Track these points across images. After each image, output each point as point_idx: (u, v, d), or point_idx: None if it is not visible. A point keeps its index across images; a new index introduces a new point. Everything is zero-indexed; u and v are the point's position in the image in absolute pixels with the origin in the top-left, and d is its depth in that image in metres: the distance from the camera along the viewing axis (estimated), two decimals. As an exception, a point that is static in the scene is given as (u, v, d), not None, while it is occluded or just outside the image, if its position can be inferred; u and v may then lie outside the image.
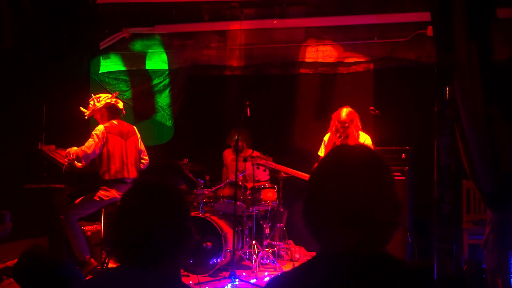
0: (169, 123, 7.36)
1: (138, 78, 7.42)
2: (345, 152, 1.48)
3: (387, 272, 1.37)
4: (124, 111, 5.57)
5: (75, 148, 5.31)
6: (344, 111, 5.30)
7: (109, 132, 5.32)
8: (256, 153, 6.27)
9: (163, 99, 7.38)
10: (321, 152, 5.50)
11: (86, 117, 5.54)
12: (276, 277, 1.47)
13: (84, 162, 5.26)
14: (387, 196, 1.42)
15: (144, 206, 1.64)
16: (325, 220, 1.39)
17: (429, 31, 6.18)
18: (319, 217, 1.41)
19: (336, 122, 5.33)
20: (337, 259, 1.38)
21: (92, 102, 5.46)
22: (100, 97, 5.46)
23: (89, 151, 5.21)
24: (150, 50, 7.44)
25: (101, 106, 5.41)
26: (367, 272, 1.36)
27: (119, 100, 5.52)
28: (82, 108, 5.52)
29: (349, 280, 1.35)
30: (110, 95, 5.52)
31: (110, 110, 5.43)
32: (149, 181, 1.77)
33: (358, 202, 1.36)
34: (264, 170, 6.07)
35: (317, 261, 1.45)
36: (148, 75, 7.40)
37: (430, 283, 1.43)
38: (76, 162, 5.27)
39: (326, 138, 5.48)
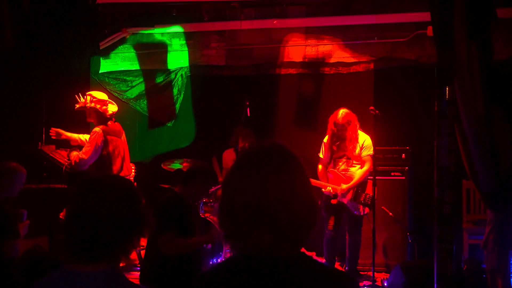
0: (169, 123, 7.35)
1: (138, 78, 7.42)
2: (256, 152, 1.43)
3: (302, 275, 1.32)
4: (113, 119, 5.52)
5: (75, 152, 5.31)
6: (340, 113, 5.29)
7: (107, 134, 5.32)
8: None
9: (163, 99, 7.38)
10: (322, 154, 5.49)
11: (75, 108, 5.51)
12: (197, 276, 1.44)
13: (83, 168, 5.26)
14: (301, 195, 1.35)
15: (98, 201, 1.62)
16: (236, 222, 1.35)
17: (429, 31, 6.18)
18: (231, 218, 1.36)
19: (333, 125, 5.32)
20: (250, 260, 1.34)
21: (88, 98, 5.43)
22: (95, 97, 5.42)
23: (86, 157, 5.21)
24: (150, 50, 7.44)
25: (89, 106, 5.39)
26: (281, 275, 1.31)
27: (108, 109, 5.45)
28: (77, 96, 5.48)
29: (261, 283, 1.31)
30: (105, 99, 5.45)
31: (97, 114, 5.40)
32: (103, 176, 1.76)
33: (269, 202, 1.31)
34: None
35: (230, 262, 1.40)
36: (148, 75, 7.40)
37: (348, 286, 1.38)
38: (75, 167, 5.27)
39: (325, 140, 5.48)
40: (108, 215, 1.61)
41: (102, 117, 5.38)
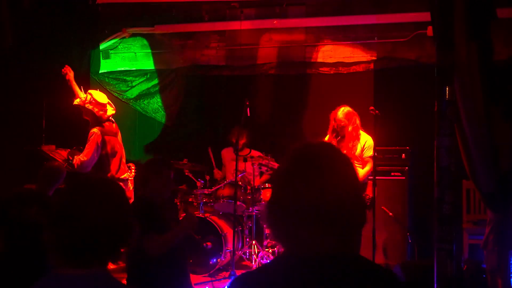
0: (169, 123, 7.35)
1: (138, 78, 7.42)
2: (310, 150, 1.42)
3: (357, 274, 1.33)
4: (114, 122, 5.54)
5: (77, 157, 5.32)
6: (341, 111, 5.28)
7: (105, 135, 5.35)
8: (255, 152, 6.27)
9: (163, 99, 7.38)
10: None
11: (73, 103, 5.52)
12: (241, 276, 1.41)
13: (86, 170, 5.28)
14: (355, 195, 1.36)
15: (84, 204, 1.59)
16: (288, 220, 1.33)
17: (429, 31, 6.18)
18: (286, 218, 1.34)
19: (333, 122, 5.32)
20: (300, 259, 1.33)
21: (89, 97, 5.43)
22: (95, 101, 5.42)
23: (87, 159, 5.23)
24: (150, 50, 7.44)
25: (88, 108, 5.40)
26: (337, 273, 1.32)
27: (108, 110, 5.47)
28: (81, 95, 5.49)
29: (311, 281, 1.30)
30: (104, 104, 5.46)
31: (94, 116, 5.41)
32: (89, 178, 1.74)
33: (327, 202, 1.31)
34: (267, 171, 6.05)
35: (281, 261, 1.39)
36: (148, 75, 7.40)
37: (396, 285, 1.39)
38: (78, 170, 5.28)
39: (326, 138, 5.48)
40: (96, 219, 1.58)
41: (97, 120, 5.40)
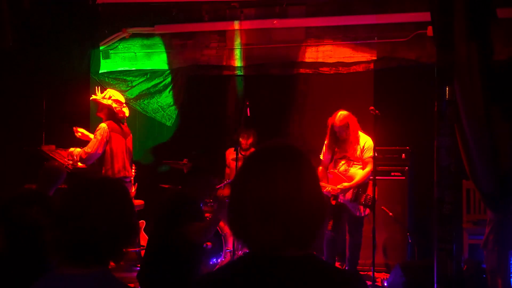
0: (169, 123, 7.35)
1: (138, 78, 7.42)
2: (264, 150, 1.44)
3: (310, 276, 1.32)
4: (125, 122, 5.59)
5: (78, 149, 5.32)
6: (338, 116, 5.29)
7: (112, 131, 5.34)
8: None
9: (163, 99, 7.38)
10: (322, 155, 5.49)
11: (90, 98, 5.57)
12: (202, 276, 1.43)
13: (88, 163, 5.27)
14: (309, 192, 1.36)
15: (87, 204, 1.59)
16: (246, 219, 1.34)
17: (429, 31, 6.18)
18: (240, 216, 1.36)
19: (332, 127, 5.33)
20: (259, 260, 1.34)
21: (108, 94, 5.47)
22: (114, 96, 5.47)
23: (92, 151, 5.21)
24: (150, 50, 7.44)
25: (106, 104, 5.43)
26: (290, 275, 1.31)
27: (124, 111, 5.52)
28: (97, 89, 5.54)
29: (270, 283, 1.31)
30: (122, 101, 5.52)
31: (109, 112, 5.44)
32: (91, 178, 1.74)
33: (277, 199, 1.31)
34: None
35: (240, 262, 1.40)
36: (148, 75, 7.40)
37: (357, 286, 1.39)
38: (80, 163, 5.28)
39: (325, 143, 5.49)
40: (98, 219, 1.58)
41: (113, 116, 5.42)
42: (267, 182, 1.34)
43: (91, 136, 5.55)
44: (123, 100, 5.57)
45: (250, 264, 1.36)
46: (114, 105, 5.41)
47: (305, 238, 1.36)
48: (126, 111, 5.56)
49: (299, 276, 1.32)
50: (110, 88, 7.22)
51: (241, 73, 7.14)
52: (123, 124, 5.57)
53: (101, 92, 5.51)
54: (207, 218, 5.36)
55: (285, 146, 1.44)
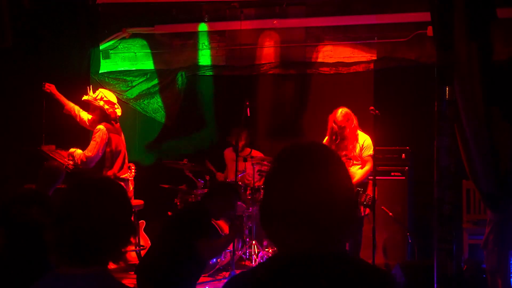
0: (169, 123, 7.35)
1: (138, 78, 7.42)
2: (297, 149, 1.43)
3: (345, 273, 1.33)
4: (118, 122, 5.59)
5: (79, 151, 5.33)
6: (340, 112, 5.29)
7: (110, 132, 5.37)
8: (255, 153, 6.28)
9: (163, 99, 7.38)
10: None
11: (82, 98, 5.58)
12: (234, 277, 1.42)
13: (89, 166, 5.29)
14: (341, 192, 1.36)
15: (86, 204, 1.60)
16: (278, 221, 1.35)
17: (429, 31, 6.18)
18: (272, 218, 1.36)
19: (332, 124, 5.32)
20: (293, 259, 1.34)
21: (99, 95, 5.47)
22: (105, 97, 5.47)
23: (92, 154, 5.26)
24: (150, 50, 7.43)
25: (98, 104, 5.43)
26: (324, 273, 1.31)
27: (117, 111, 5.52)
28: (88, 89, 5.52)
29: (305, 281, 1.31)
30: (114, 102, 5.52)
31: (103, 114, 5.45)
32: (91, 178, 1.74)
33: (309, 200, 1.32)
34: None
35: (273, 261, 1.40)
36: (148, 75, 7.40)
37: (390, 285, 1.39)
38: (82, 166, 5.29)
39: (325, 141, 5.48)
40: (97, 219, 1.58)
41: (105, 117, 5.44)
42: (298, 184, 1.34)
43: (65, 100, 5.60)
44: (115, 101, 5.57)
45: (285, 263, 1.35)
46: (106, 106, 5.43)
47: (339, 236, 1.36)
48: (118, 111, 5.57)
49: (336, 273, 1.32)
50: (110, 88, 7.24)
51: (241, 73, 7.13)
52: (116, 123, 5.57)
53: (93, 92, 5.52)
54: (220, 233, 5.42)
55: (312, 144, 1.44)
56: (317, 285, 1.30)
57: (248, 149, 6.39)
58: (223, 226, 5.74)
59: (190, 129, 7.25)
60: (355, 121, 5.33)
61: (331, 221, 1.33)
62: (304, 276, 1.31)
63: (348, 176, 1.41)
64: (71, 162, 5.35)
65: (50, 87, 5.61)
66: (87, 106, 5.67)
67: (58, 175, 4.53)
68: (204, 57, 7.27)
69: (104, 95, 5.49)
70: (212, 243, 3.67)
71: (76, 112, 5.66)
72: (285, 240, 1.35)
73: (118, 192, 1.69)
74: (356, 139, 5.36)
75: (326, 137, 5.46)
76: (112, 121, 5.50)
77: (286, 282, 1.31)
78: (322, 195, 1.33)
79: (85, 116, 5.63)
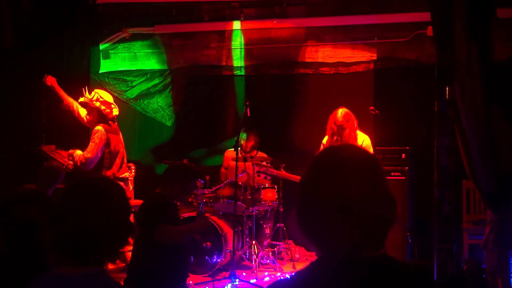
0: (169, 123, 7.35)
1: (138, 78, 7.42)
2: (337, 151, 1.46)
3: (391, 275, 1.35)
4: (116, 121, 5.57)
5: (79, 152, 5.33)
6: (340, 112, 5.29)
7: (108, 133, 5.37)
8: (261, 154, 6.30)
9: (163, 99, 7.38)
10: None
11: (77, 101, 5.57)
12: (276, 282, 1.43)
13: (89, 167, 5.29)
14: (382, 194, 1.38)
15: (84, 204, 1.60)
16: (322, 221, 1.35)
17: (429, 31, 6.18)
18: (315, 218, 1.37)
19: (333, 124, 5.32)
20: (340, 261, 1.35)
21: (95, 96, 5.47)
22: (101, 98, 5.46)
23: (91, 156, 5.25)
24: (150, 50, 7.44)
25: (95, 106, 5.43)
26: (372, 275, 1.33)
27: (114, 111, 5.51)
28: (84, 90, 5.53)
29: (352, 283, 1.32)
30: (111, 102, 5.51)
31: (100, 115, 5.44)
32: (89, 178, 1.74)
33: (354, 200, 1.33)
34: (266, 178, 6.08)
35: (320, 264, 1.41)
36: (148, 75, 7.40)
37: (431, 285, 1.41)
38: (82, 167, 5.29)
39: (324, 140, 5.48)
40: (95, 218, 1.59)
41: (103, 118, 5.43)
42: (342, 182, 1.35)
43: (64, 94, 5.62)
44: (111, 100, 5.56)
45: (330, 266, 1.36)
46: (102, 107, 5.42)
47: (380, 238, 1.38)
48: (115, 111, 5.55)
49: (380, 276, 1.33)
50: (110, 88, 7.24)
51: (241, 73, 7.14)
52: (114, 123, 5.56)
53: (89, 93, 5.50)
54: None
55: (352, 146, 1.46)
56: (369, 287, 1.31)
57: (255, 151, 6.40)
58: (223, 226, 5.74)
59: (190, 129, 7.24)
60: (355, 121, 5.34)
61: (375, 219, 1.35)
62: (355, 278, 1.32)
63: (385, 178, 1.43)
64: (71, 162, 5.35)
65: (52, 80, 5.62)
66: (84, 107, 5.65)
67: (58, 175, 4.53)
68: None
69: (100, 96, 5.47)
70: (167, 228, 3.66)
71: (75, 107, 5.65)
72: (331, 241, 1.35)
73: (117, 192, 1.69)
74: (355, 139, 5.36)
75: (326, 137, 5.46)
76: (110, 122, 5.48)
77: (338, 285, 1.32)
78: (366, 194, 1.35)
79: (83, 112, 5.63)
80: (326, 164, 1.42)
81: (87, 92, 5.53)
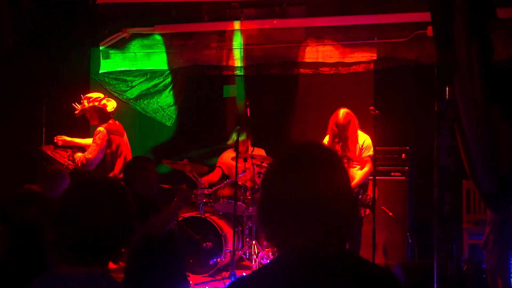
0: (169, 123, 7.35)
1: (138, 78, 7.42)
2: (300, 149, 1.44)
3: (352, 272, 1.34)
4: (114, 113, 5.53)
5: (79, 154, 5.32)
6: (341, 113, 5.29)
7: (111, 133, 5.34)
8: (258, 150, 6.29)
9: (163, 99, 7.37)
10: None
11: (76, 115, 5.54)
12: (236, 280, 1.42)
13: (90, 168, 5.28)
14: (345, 192, 1.38)
15: (87, 204, 1.60)
16: (282, 219, 1.34)
17: (429, 31, 6.18)
18: (275, 216, 1.36)
19: (334, 125, 5.32)
20: (299, 259, 1.34)
21: (85, 101, 5.45)
22: (90, 97, 5.44)
23: (92, 157, 5.24)
24: (150, 50, 7.43)
25: (88, 107, 5.41)
26: (330, 272, 1.32)
27: (107, 103, 5.47)
28: (74, 105, 5.51)
29: (312, 280, 1.31)
30: (101, 96, 5.48)
31: (98, 112, 5.42)
32: (92, 178, 1.74)
33: (316, 197, 1.32)
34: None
35: (281, 261, 1.40)
36: (148, 75, 7.40)
37: (395, 284, 1.40)
38: (83, 168, 5.28)
39: (325, 140, 5.47)
40: (98, 218, 1.59)
41: (103, 115, 5.40)
42: (303, 181, 1.35)
43: (76, 140, 5.57)
44: (98, 95, 5.51)
45: (289, 264, 1.35)
46: (95, 103, 5.39)
47: (342, 236, 1.38)
48: (110, 104, 5.48)
49: (342, 273, 1.33)
50: (110, 88, 7.25)
51: (241, 73, 7.13)
52: (115, 121, 5.52)
53: (79, 104, 5.48)
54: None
55: (316, 145, 1.45)
56: (331, 285, 1.31)
57: (251, 148, 6.40)
58: (223, 226, 5.74)
59: (190, 129, 7.24)
60: (356, 122, 5.34)
61: (337, 218, 1.34)
62: (313, 276, 1.31)
63: (348, 177, 1.43)
64: (70, 163, 5.34)
65: (63, 140, 5.56)
66: (82, 114, 5.59)
67: (63, 180, 4.50)
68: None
69: (88, 97, 5.43)
70: (155, 217, 3.48)
71: (78, 158, 5.56)
72: (291, 240, 1.35)
73: (120, 192, 1.69)
74: (356, 139, 5.36)
75: (327, 137, 5.46)
76: (111, 122, 5.44)
77: (296, 283, 1.31)
78: (328, 192, 1.34)
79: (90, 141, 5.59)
80: (289, 162, 1.41)
81: (77, 104, 5.49)
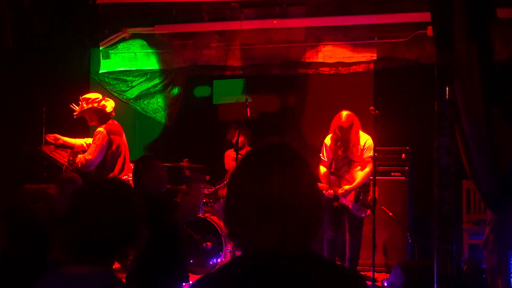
0: (169, 123, 7.35)
1: (138, 78, 7.42)
2: (261, 150, 1.45)
3: (309, 272, 1.34)
4: (113, 113, 5.50)
5: (80, 155, 5.30)
6: (344, 116, 5.29)
7: (111, 134, 5.32)
8: None
9: (163, 99, 7.38)
10: (324, 156, 5.48)
11: (75, 117, 5.52)
12: (200, 279, 1.43)
13: (90, 169, 5.26)
14: (306, 193, 1.37)
15: (93, 204, 1.62)
16: (242, 219, 1.35)
17: (429, 31, 6.18)
18: (236, 216, 1.37)
19: (337, 129, 5.32)
20: (256, 259, 1.34)
21: (84, 102, 5.43)
22: (89, 98, 5.41)
23: (92, 157, 5.21)
24: (150, 50, 7.44)
25: (87, 108, 5.38)
26: (288, 272, 1.32)
27: (106, 104, 5.44)
28: (72, 106, 5.49)
29: (269, 281, 1.31)
30: (99, 97, 5.44)
31: (98, 113, 5.39)
32: (101, 179, 1.75)
33: (273, 199, 1.33)
34: None
35: (237, 261, 1.41)
36: (148, 75, 7.40)
37: (356, 284, 1.40)
38: (82, 169, 5.27)
39: (327, 141, 5.47)
40: (106, 218, 1.60)
41: (102, 115, 5.37)
42: (263, 180, 1.35)
43: (71, 140, 5.54)
44: (99, 96, 5.49)
45: (248, 263, 1.36)
46: (94, 104, 5.37)
47: (302, 236, 1.36)
48: (108, 104, 5.45)
49: (298, 273, 1.33)
50: (110, 88, 7.26)
51: (241, 73, 7.14)
52: (114, 121, 5.51)
53: (77, 105, 5.45)
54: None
55: (281, 145, 1.45)
56: (285, 285, 1.31)
57: (248, 148, 6.39)
58: (223, 226, 5.74)
59: (190, 129, 7.24)
60: (358, 123, 5.35)
61: (296, 220, 1.34)
62: (272, 276, 1.32)
63: (313, 179, 1.43)
64: (71, 163, 5.34)
65: (54, 137, 5.52)
66: (81, 115, 5.57)
67: (77, 183, 4.46)
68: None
69: (86, 98, 5.39)
70: (179, 206, 3.54)
71: (85, 145, 5.56)
72: (250, 239, 1.35)
73: (127, 193, 1.70)
74: (358, 141, 5.37)
75: (328, 137, 5.46)
76: (110, 122, 5.41)
77: (254, 282, 1.32)
78: (288, 194, 1.34)
79: (88, 141, 5.57)
80: (251, 163, 1.42)
81: (75, 106, 5.47)
